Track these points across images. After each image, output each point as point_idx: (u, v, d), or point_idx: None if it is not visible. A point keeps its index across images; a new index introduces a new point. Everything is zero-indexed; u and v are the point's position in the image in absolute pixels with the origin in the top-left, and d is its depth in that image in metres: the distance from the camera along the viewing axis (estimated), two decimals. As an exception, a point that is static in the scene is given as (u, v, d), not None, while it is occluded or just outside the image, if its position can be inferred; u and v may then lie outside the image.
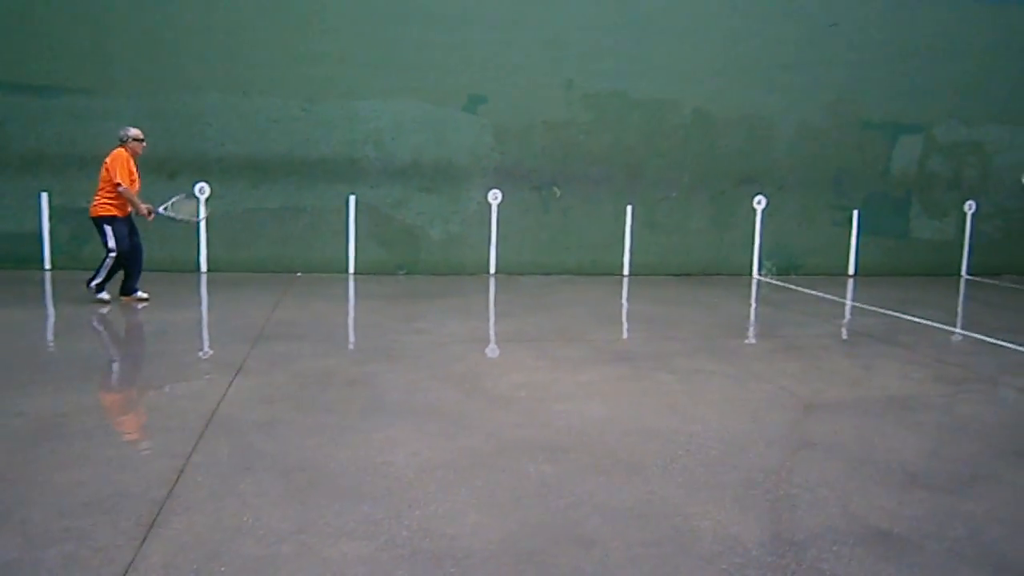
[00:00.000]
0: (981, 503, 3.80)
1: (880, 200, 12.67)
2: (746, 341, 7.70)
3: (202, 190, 10.72)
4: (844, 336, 8.06)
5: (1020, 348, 7.35)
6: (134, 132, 8.19)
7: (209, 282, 10.06)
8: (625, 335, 7.92)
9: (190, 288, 9.63)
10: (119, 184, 7.94)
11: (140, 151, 8.27)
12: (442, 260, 11.51)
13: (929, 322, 8.61)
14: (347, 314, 8.71)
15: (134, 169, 8.16)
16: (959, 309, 10.07)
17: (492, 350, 6.97)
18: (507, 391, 5.48)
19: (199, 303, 8.88)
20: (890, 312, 9.18)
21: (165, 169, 10.65)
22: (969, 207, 12.97)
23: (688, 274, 12.06)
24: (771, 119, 12.20)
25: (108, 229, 8.06)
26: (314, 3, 10.92)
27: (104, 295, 8.24)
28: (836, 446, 4.54)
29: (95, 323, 7.46)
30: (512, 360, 6.48)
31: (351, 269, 11.27)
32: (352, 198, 11.18)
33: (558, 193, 11.58)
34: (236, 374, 5.70)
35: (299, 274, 10.82)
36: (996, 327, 8.41)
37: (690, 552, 3.20)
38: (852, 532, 3.44)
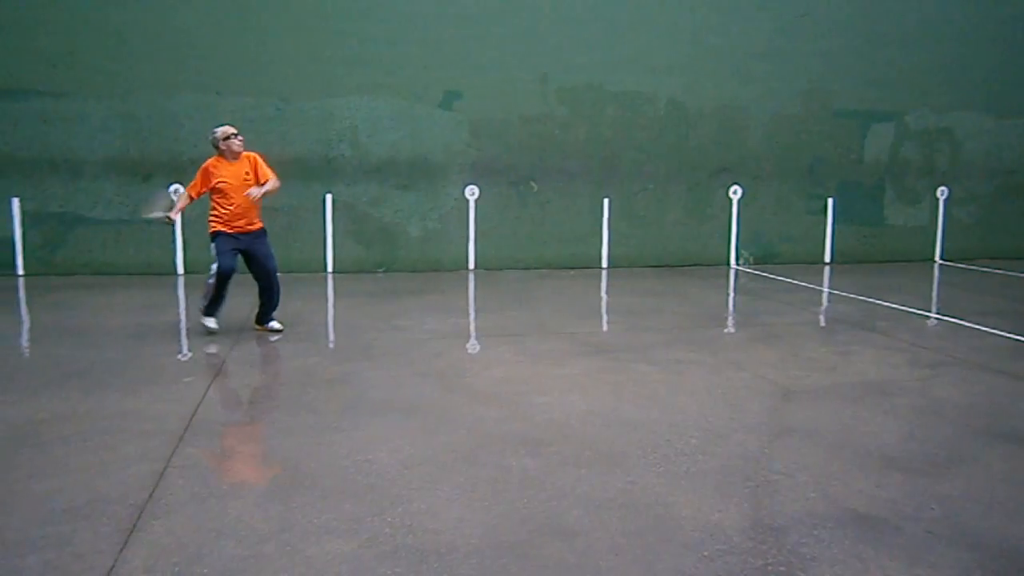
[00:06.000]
0: (957, 484, 3.86)
1: (854, 188, 12.79)
2: (724, 330, 7.75)
3: (177, 192, 10.63)
4: (821, 323, 8.14)
5: (993, 331, 7.45)
6: (220, 131, 6.93)
7: (187, 284, 9.99)
8: (604, 327, 7.95)
9: (166, 291, 9.55)
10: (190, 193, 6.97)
11: (236, 148, 6.89)
12: (421, 257, 11.49)
13: (904, 307, 8.71)
14: (326, 313, 8.68)
15: (214, 177, 6.83)
16: (933, 294, 10.18)
17: (472, 345, 6.97)
18: (488, 386, 5.49)
19: (176, 305, 8.82)
20: (866, 298, 9.27)
21: (139, 171, 10.56)
22: (941, 193, 13.12)
23: (666, 265, 12.11)
24: (745, 109, 12.28)
25: (212, 246, 6.93)
26: (286, 1, 10.85)
27: (210, 322, 7.06)
28: (814, 432, 4.58)
29: (71, 328, 7.38)
30: (492, 355, 6.49)
31: (329, 268, 11.23)
32: (329, 197, 11.13)
33: (535, 187, 11.59)
34: (215, 376, 5.67)
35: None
36: (970, 311, 8.52)
37: (672, 540, 3.23)
38: (831, 516, 3.48)
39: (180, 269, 10.78)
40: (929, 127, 12.98)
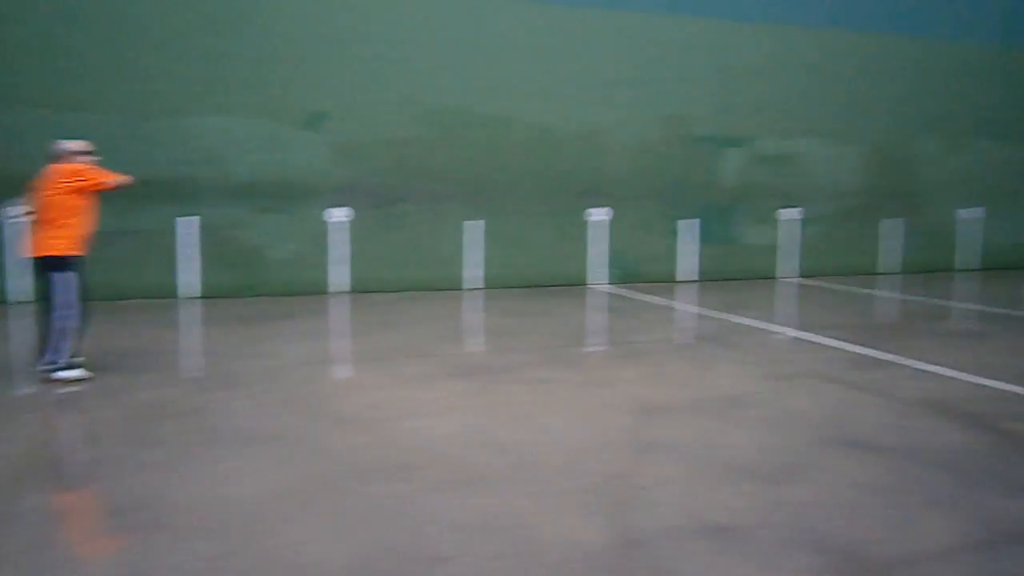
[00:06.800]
0: (805, 490, 4.06)
1: (710, 209, 13.38)
2: (591, 349, 7.92)
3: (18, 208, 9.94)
4: (682, 340, 8.45)
5: (838, 344, 7.93)
6: (75, 144, 6.44)
7: (27, 314, 9.34)
8: (473, 349, 7.97)
9: (2, 319, 8.90)
10: None
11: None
12: (286, 281, 11.19)
13: (758, 323, 9.15)
14: (185, 341, 8.31)
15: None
16: (784, 310, 10.76)
17: (338, 371, 6.83)
18: (354, 412, 5.38)
19: (13, 336, 8.22)
20: (723, 315, 9.69)
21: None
22: (788, 214, 13.91)
23: (534, 285, 12.28)
24: (608, 133, 12.66)
25: (64, 276, 6.10)
26: (139, 16, 10.39)
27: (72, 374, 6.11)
28: (676, 447, 4.73)
29: None
30: (359, 380, 6.38)
31: (189, 293, 10.76)
32: (187, 220, 10.68)
33: (402, 210, 11.48)
34: (60, 410, 5.31)
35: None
36: (817, 325, 9.05)
37: (537, 561, 3.24)
38: (690, 528, 3.59)
39: (13, 297, 10.07)
40: (777, 152, 13.77)
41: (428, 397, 5.80)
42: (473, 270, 12.02)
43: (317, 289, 11.30)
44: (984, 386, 6.31)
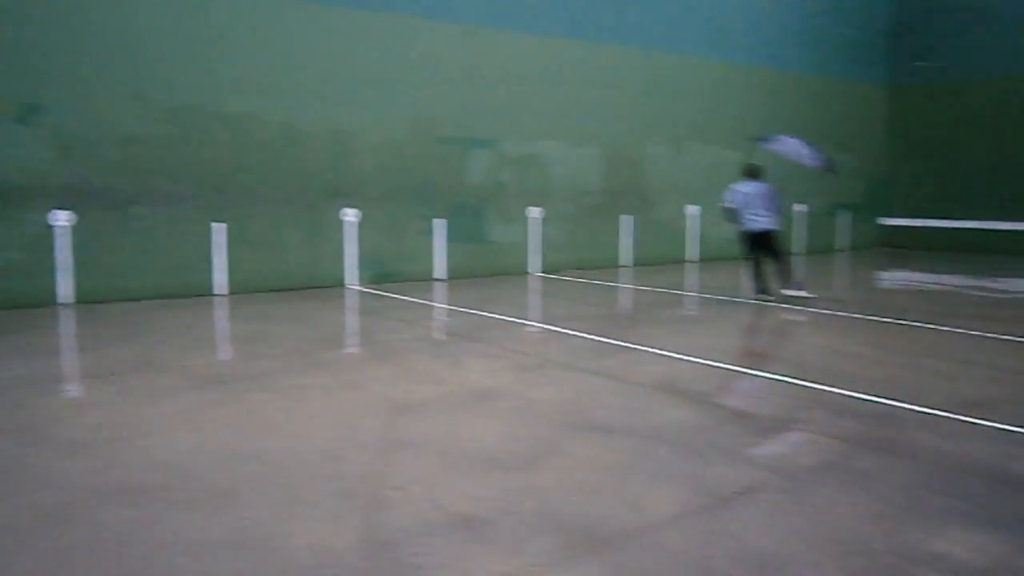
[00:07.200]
0: (548, 476, 4.30)
1: (460, 208, 13.72)
2: (343, 351, 7.84)
3: None
4: (433, 337, 8.59)
5: (579, 334, 8.44)
6: None
7: None
8: (219, 358, 7.60)
9: None
10: None
11: None
12: (3, 292, 10.03)
13: (506, 317, 9.52)
14: None
15: None
16: (531, 304, 11.27)
17: (64, 390, 6.25)
18: (84, 434, 4.95)
19: None
20: (473, 311, 9.98)
21: None
22: (533, 212, 14.58)
23: (285, 289, 11.95)
24: (356, 133, 12.58)
25: None
26: None
27: None
28: (426, 443, 4.82)
29: None
30: (90, 399, 5.88)
31: None
32: None
33: (140, 212, 10.71)
34: None
35: None
36: (560, 317, 9.58)
37: (286, 572, 3.18)
38: (440, 522, 3.68)
39: None
40: (521, 154, 14.38)
41: (169, 412, 5.46)
42: (221, 275, 11.45)
43: (40, 301, 10.24)
44: (707, 366, 7.00)
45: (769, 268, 11.24)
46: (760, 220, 10.86)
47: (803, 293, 11.00)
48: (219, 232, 11.41)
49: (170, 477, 4.21)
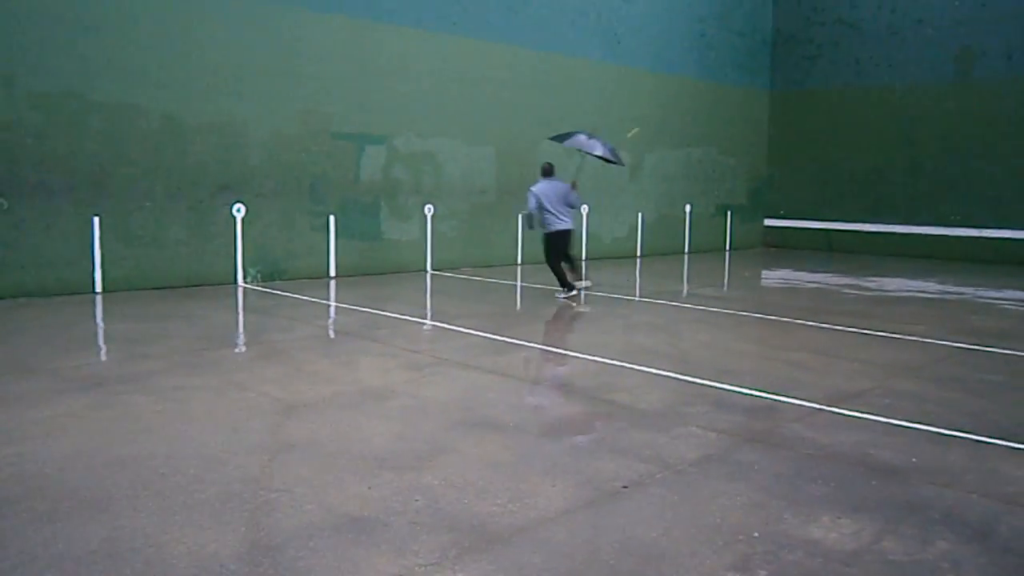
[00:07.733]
0: (438, 474, 4.29)
1: (353, 205, 13.52)
2: (230, 351, 7.60)
3: None
4: (325, 336, 8.44)
5: (472, 331, 8.45)
6: None
7: None
8: (94, 359, 7.24)
9: None
10: None
11: None
12: None
13: (400, 315, 9.44)
14: None
15: None
16: (425, 302, 11.22)
17: (-78, 395, 5.84)
18: (-60, 442, 4.64)
19: None
20: (367, 309, 9.85)
21: None
22: (428, 209, 14.52)
23: (170, 287, 11.49)
24: (244, 127, 12.20)
25: None
26: None
27: None
28: (314, 444, 4.73)
29: None
30: (-51, 404, 5.51)
31: None
32: None
33: (4, 205, 10.09)
34: None
35: None
36: (454, 315, 9.57)
37: (163, 581, 3.06)
38: (327, 524, 3.61)
39: None
40: (415, 151, 14.28)
41: (36, 417, 5.17)
42: (99, 271, 10.90)
43: None
44: (596, 361, 7.13)
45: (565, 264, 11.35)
46: (563, 220, 10.99)
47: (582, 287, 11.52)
48: (98, 227, 10.87)
49: (37, 487, 3.99)
